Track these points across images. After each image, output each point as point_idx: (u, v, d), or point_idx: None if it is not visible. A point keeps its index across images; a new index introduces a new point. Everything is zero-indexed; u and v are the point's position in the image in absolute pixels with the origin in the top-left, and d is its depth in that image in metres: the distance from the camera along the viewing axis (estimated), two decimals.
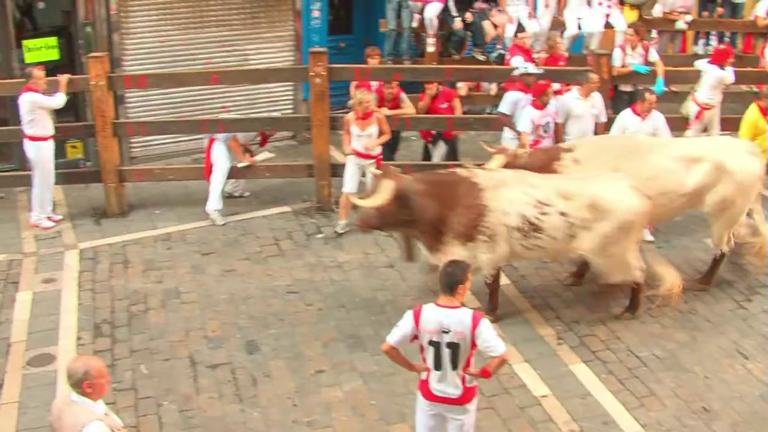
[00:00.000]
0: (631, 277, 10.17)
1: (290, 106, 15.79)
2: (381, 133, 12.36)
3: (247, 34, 15.38)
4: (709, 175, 10.72)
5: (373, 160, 12.30)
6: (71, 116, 13.34)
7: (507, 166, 10.58)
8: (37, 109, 12.47)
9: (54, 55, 14.96)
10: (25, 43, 14.95)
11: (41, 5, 16.28)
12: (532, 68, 13.09)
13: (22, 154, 13.58)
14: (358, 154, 12.37)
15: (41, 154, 12.64)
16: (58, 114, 13.21)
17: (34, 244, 12.44)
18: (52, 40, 15.05)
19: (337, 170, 13.08)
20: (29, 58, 14.87)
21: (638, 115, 12.02)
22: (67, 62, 14.94)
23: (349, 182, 12.44)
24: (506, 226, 9.75)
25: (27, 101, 12.44)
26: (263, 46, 15.32)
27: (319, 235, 12.58)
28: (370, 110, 12.26)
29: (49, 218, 13.01)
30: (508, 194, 9.80)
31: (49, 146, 12.71)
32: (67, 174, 13.54)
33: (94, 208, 13.49)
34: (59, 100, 12.65)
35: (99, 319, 10.58)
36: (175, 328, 10.31)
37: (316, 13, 15.84)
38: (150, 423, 8.73)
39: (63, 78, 12.84)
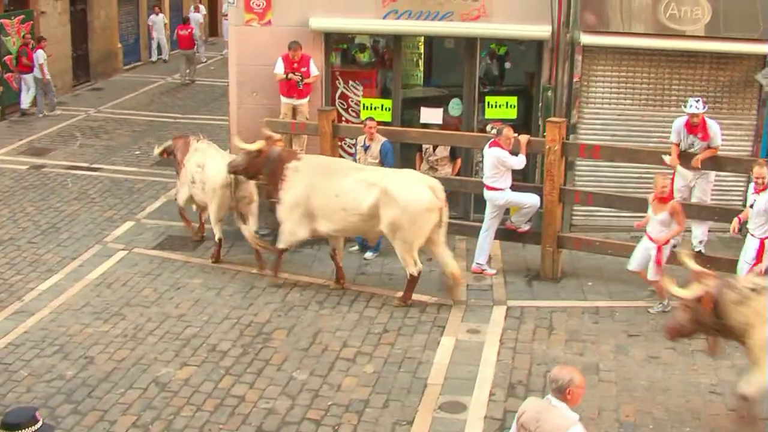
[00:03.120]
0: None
1: (739, 198, 15.14)
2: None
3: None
4: (378, 199, 12.21)
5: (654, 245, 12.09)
6: (518, 176, 13.63)
7: (261, 150, 13.03)
8: (500, 165, 12.90)
9: (512, 114, 15.49)
10: (488, 98, 15.58)
11: (507, 65, 17.01)
12: None
13: (467, 204, 13.99)
14: (648, 237, 12.17)
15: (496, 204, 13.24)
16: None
17: (465, 293, 12.82)
18: (513, 99, 15.58)
19: None
20: (488, 114, 15.52)
21: None
22: (523, 123, 15.37)
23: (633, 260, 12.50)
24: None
25: (493, 155, 12.92)
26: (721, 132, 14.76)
27: None
28: (666, 196, 12.02)
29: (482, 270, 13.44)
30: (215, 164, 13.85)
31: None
32: (507, 231, 13.78)
33: (528, 269, 13.71)
34: (521, 161, 13.02)
35: (515, 379, 10.68)
36: (588, 405, 10.08)
37: None
38: None
39: (524, 139, 13.17)
